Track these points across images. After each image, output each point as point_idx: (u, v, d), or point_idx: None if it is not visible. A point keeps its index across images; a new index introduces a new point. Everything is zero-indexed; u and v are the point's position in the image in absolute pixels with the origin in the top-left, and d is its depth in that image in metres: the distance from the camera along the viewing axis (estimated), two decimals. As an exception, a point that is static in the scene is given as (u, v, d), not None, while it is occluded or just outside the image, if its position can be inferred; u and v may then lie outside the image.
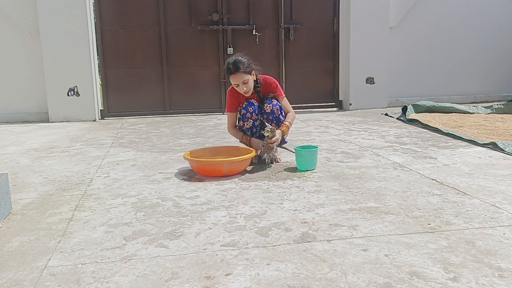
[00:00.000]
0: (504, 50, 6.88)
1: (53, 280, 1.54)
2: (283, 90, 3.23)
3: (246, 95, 3.05)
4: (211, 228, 1.96)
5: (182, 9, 5.91)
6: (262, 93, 3.11)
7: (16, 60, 5.62)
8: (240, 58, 2.95)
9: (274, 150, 3.00)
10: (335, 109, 6.37)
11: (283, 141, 3.14)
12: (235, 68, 2.91)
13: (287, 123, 3.06)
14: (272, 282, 1.48)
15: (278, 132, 2.95)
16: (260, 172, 2.91)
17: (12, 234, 1.96)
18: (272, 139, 2.90)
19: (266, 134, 2.90)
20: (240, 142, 3.25)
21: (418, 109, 5.37)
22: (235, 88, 3.02)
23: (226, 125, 3.31)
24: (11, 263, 1.68)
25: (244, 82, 2.95)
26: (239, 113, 3.14)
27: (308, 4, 6.16)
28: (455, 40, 6.67)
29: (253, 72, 3.01)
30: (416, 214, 2.07)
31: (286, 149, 3.17)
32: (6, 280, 1.55)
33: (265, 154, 2.99)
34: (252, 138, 3.07)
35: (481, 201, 2.23)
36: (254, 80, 3.03)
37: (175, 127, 5.00)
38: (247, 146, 3.13)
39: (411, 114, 5.14)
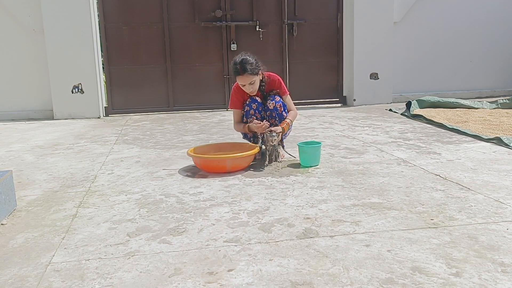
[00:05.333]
0: (510, 45, 6.83)
1: (57, 276, 1.55)
2: (286, 87, 3.22)
3: (251, 94, 3.05)
4: (214, 224, 1.97)
5: (186, 6, 5.91)
6: (266, 90, 3.11)
7: (21, 58, 5.65)
8: (248, 58, 2.92)
9: (276, 148, 3.00)
10: (339, 105, 6.35)
11: (283, 138, 3.15)
12: (243, 69, 2.89)
13: (288, 120, 3.05)
14: (275, 278, 1.48)
15: (279, 130, 2.95)
16: (263, 168, 2.91)
17: (16, 231, 1.97)
18: (272, 139, 2.91)
19: (267, 137, 2.91)
20: (244, 138, 3.25)
21: (423, 104, 5.35)
22: (241, 87, 3.02)
23: (230, 122, 3.31)
24: (15, 259, 1.69)
25: (251, 83, 2.95)
26: (243, 110, 3.14)
27: (312, 0, 6.14)
28: (460, 35, 6.63)
29: (260, 72, 3.00)
30: (419, 210, 2.07)
31: (288, 153, 3.17)
32: (11, 276, 1.56)
33: (268, 155, 2.99)
34: (250, 124, 3.03)
35: (485, 196, 2.22)
36: (260, 80, 3.03)
37: (179, 123, 5.01)
38: (249, 134, 3.12)
39: (416, 110, 5.12)
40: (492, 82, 6.87)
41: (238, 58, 2.94)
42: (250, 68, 2.89)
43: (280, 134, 2.96)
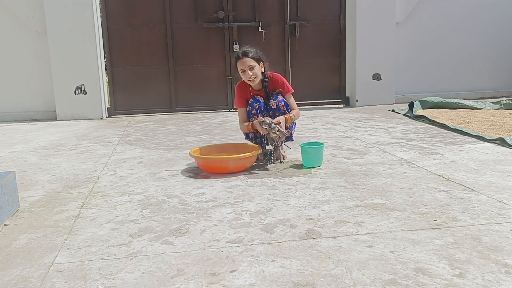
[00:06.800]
0: (513, 45, 6.82)
1: (59, 276, 1.55)
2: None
3: (251, 84, 3.04)
4: (216, 225, 1.97)
5: (188, 7, 5.92)
6: (269, 89, 3.12)
7: (24, 59, 5.66)
8: (250, 47, 3.03)
9: (278, 148, 2.98)
10: (342, 105, 6.35)
11: (290, 137, 3.16)
12: (243, 53, 2.98)
13: (291, 115, 3.06)
14: (277, 279, 1.48)
15: (282, 118, 2.94)
16: (266, 169, 2.91)
17: (19, 232, 1.98)
18: (277, 120, 2.90)
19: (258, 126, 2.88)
20: (246, 138, 3.24)
21: (425, 105, 5.34)
22: (241, 75, 3.03)
23: (233, 123, 3.31)
24: (18, 260, 1.70)
25: (250, 67, 2.96)
26: (246, 110, 3.14)
27: (314, 0, 6.14)
28: (463, 35, 6.61)
29: (262, 63, 3.03)
30: (422, 211, 2.06)
31: (288, 146, 3.18)
32: (14, 276, 1.56)
33: (272, 145, 2.99)
34: (254, 122, 3.01)
35: (488, 197, 2.22)
36: (262, 73, 3.04)
37: (181, 124, 5.01)
38: (251, 135, 3.12)
39: (418, 110, 5.11)
40: (495, 82, 6.85)
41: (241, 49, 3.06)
42: (250, 53, 2.98)
43: (282, 124, 2.92)
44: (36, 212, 2.23)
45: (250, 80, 3.00)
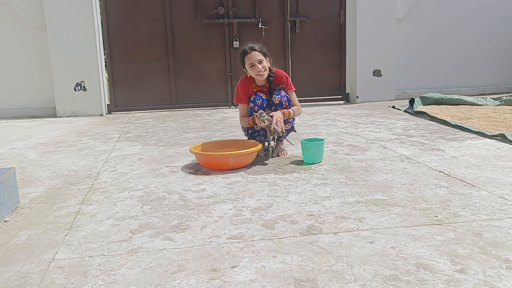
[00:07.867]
0: (513, 41, 6.80)
1: (60, 272, 1.55)
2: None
3: (261, 78, 3.02)
4: (217, 221, 1.96)
5: (188, 3, 5.90)
6: (274, 84, 3.12)
7: (24, 55, 5.65)
8: (255, 43, 3.05)
9: (271, 130, 2.94)
10: (342, 102, 6.34)
11: (291, 129, 3.16)
12: (251, 48, 2.99)
13: (290, 110, 3.06)
14: (278, 274, 1.47)
15: (278, 113, 2.94)
16: (266, 165, 2.91)
17: (20, 228, 1.97)
18: (271, 114, 2.91)
19: (262, 118, 2.89)
20: (247, 134, 3.24)
21: (426, 101, 5.33)
22: (249, 70, 3.01)
23: (233, 119, 3.30)
24: (18, 256, 1.69)
25: (260, 61, 2.97)
26: (248, 106, 3.14)
27: (314, -3, 6.13)
28: (463, 32, 6.60)
29: (267, 58, 3.04)
30: (423, 206, 2.06)
31: (290, 142, 3.19)
32: (14, 273, 1.56)
33: (271, 139, 3.01)
34: (255, 115, 3.01)
35: (489, 193, 2.21)
36: (268, 68, 3.04)
37: (181, 121, 5.01)
38: (256, 127, 3.12)
39: (419, 107, 5.10)
40: (496, 78, 6.84)
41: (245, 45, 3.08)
42: (257, 47, 3.00)
43: (276, 118, 2.91)
44: (36, 208, 2.23)
45: (259, 74, 2.99)
